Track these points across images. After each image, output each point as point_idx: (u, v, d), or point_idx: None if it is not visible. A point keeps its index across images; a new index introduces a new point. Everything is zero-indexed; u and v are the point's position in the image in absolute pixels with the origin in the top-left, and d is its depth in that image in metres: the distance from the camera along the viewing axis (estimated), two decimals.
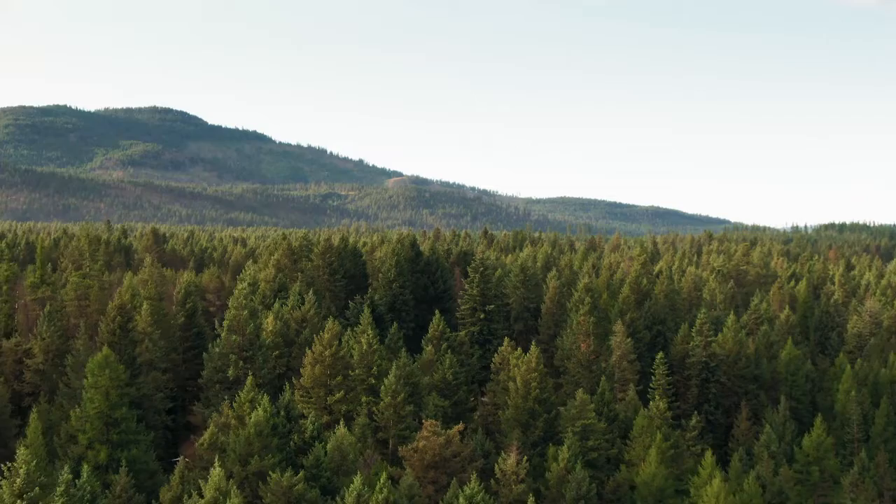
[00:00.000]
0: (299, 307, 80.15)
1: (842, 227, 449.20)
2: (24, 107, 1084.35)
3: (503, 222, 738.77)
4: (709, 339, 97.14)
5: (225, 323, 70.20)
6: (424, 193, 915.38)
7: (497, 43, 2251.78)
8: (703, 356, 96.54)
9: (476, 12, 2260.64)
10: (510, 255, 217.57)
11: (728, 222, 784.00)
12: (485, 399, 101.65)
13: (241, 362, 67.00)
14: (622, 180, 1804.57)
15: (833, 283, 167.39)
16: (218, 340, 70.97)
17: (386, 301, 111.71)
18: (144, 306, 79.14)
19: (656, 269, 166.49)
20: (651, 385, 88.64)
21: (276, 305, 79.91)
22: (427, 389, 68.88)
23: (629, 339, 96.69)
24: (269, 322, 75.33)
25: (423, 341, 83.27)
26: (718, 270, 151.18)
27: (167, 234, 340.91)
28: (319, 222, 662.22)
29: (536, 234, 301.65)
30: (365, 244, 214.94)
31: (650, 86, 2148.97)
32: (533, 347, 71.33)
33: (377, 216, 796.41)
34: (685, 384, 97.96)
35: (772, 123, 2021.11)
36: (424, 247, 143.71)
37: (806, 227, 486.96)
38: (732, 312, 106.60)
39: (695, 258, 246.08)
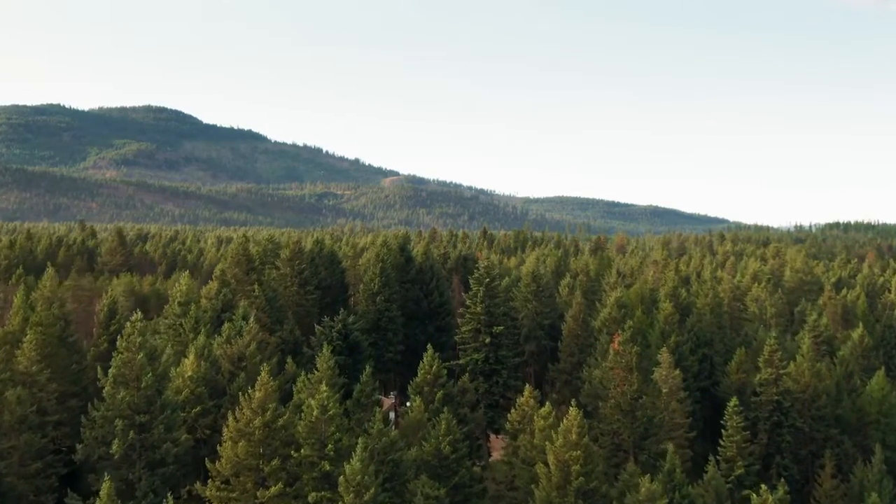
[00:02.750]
0: (238, 337, 57.93)
1: (846, 227, 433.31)
2: (17, 106, 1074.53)
3: (500, 222, 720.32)
4: (781, 371, 75.27)
5: (111, 371, 48.17)
6: (421, 193, 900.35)
7: (495, 42, 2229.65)
8: (773, 394, 74.67)
9: (474, 12, 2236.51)
10: (513, 258, 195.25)
11: (727, 221, 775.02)
12: (491, 444, 79.92)
13: (132, 431, 45.24)
14: (620, 180, 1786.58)
15: (889, 292, 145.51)
16: (102, 398, 48.78)
17: (368, 319, 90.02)
18: (28, 336, 57.40)
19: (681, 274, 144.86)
20: (721, 442, 66.84)
21: (202, 337, 57.46)
22: (413, 469, 47.03)
23: (677, 372, 75.15)
24: (187, 364, 53.33)
25: (409, 388, 61.28)
26: (768, 278, 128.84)
27: (149, 234, 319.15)
28: (315, 222, 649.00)
29: (539, 234, 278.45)
30: (353, 246, 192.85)
31: (649, 86, 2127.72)
32: (573, 411, 49.06)
33: (373, 216, 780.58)
34: (750, 429, 76.11)
35: (769, 123, 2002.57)
36: (417, 250, 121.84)
37: (811, 226, 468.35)
38: (807, 335, 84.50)
39: (707, 258, 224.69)
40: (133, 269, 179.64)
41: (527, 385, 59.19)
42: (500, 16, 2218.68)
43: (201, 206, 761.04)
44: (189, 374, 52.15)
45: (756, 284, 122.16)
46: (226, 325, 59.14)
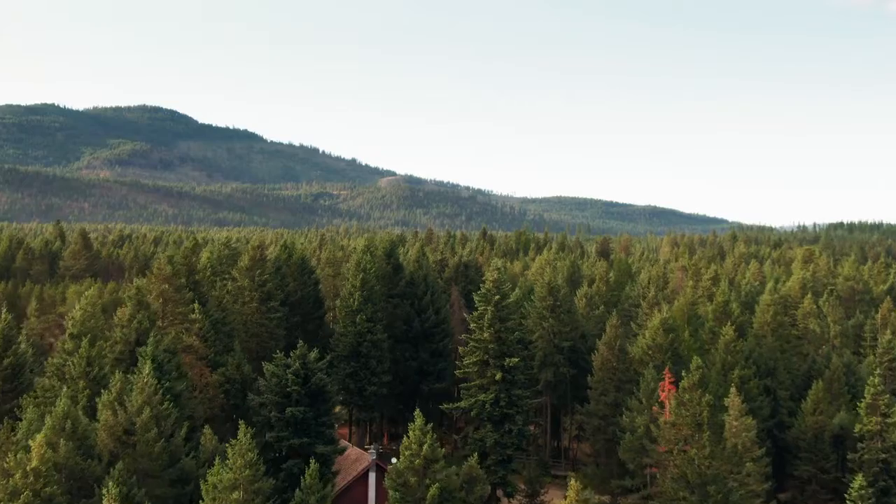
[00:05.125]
0: (130, 395, 38.53)
1: (851, 227, 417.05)
2: (10, 105, 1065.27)
3: (498, 222, 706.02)
4: (888, 420, 56.68)
5: None
6: (418, 193, 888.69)
7: (492, 42, 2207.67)
8: (879, 450, 56.16)
9: (472, 12, 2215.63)
10: (516, 262, 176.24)
11: (726, 221, 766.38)
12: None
13: None
14: (618, 180, 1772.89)
15: None
16: None
17: (346, 343, 71.64)
18: None
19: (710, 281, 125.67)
20: None
21: (63, 400, 37.06)
22: None
23: (750, 419, 56.68)
24: (34, 447, 33.20)
25: (387, 473, 41.75)
26: (830, 289, 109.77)
27: (132, 235, 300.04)
28: (310, 222, 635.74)
29: (540, 236, 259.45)
30: (343, 248, 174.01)
31: (647, 86, 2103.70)
32: None
33: (370, 216, 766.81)
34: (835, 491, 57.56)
35: (768, 123, 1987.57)
36: (410, 255, 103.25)
37: (814, 226, 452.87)
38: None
39: (742, 264, 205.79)
40: (98, 275, 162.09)
41: (571, 480, 39.88)
42: (497, 16, 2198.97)
43: (196, 207, 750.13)
44: (34, 464, 32.84)
45: (808, 296, 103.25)
46: (116, 375, 39.79)
